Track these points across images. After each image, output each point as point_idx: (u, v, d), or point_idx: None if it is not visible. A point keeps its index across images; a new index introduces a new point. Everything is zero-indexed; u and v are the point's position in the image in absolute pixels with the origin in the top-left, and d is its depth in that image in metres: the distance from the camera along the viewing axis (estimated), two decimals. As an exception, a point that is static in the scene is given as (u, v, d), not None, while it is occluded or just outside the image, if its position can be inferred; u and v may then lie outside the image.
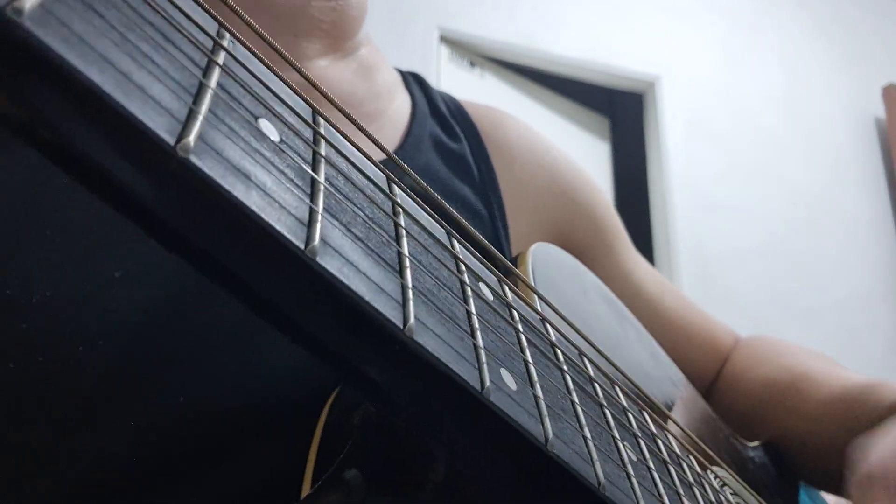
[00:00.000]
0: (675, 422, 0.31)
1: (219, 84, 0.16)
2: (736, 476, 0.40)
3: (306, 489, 0.22)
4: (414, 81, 0.50)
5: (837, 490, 0.52)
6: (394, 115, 0.44)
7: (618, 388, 0.27)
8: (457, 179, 0.44)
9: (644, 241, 2.58)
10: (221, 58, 0.17)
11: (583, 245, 0.51)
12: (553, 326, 0.25)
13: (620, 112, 3.01)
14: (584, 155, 2.74)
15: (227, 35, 0.18)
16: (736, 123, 2.74)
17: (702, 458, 0.33)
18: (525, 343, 0.22)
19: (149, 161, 0.14)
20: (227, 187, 0.14)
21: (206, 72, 0.16)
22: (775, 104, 2.83)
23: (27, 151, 0.26)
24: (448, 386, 0.17)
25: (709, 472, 0.37)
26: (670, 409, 0.43)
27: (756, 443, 0.54)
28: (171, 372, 0.28)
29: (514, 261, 0.37)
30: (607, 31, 2.72)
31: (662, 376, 0.44)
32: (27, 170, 0.28)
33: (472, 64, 2.60)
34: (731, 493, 0.37)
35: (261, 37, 0.19)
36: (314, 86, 0.20)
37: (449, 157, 0.45)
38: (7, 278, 0.26)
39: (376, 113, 0.42)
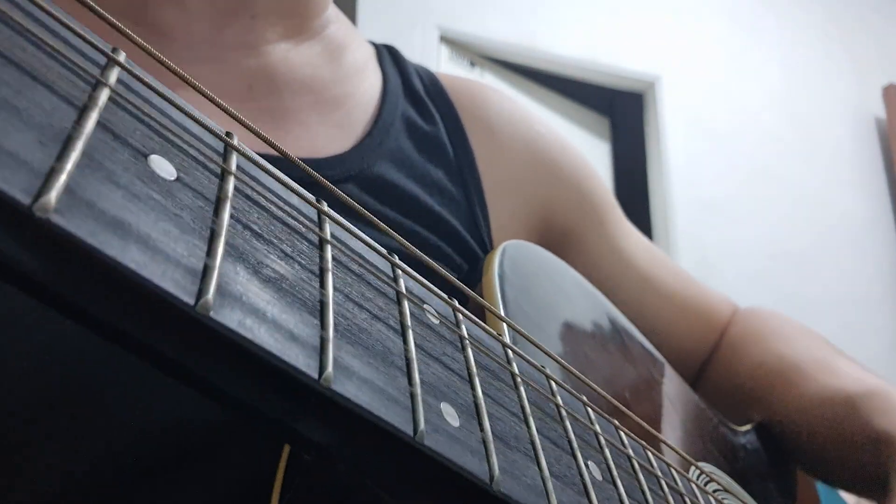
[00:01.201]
0: (652, 431, 0.30)
1: (99, 123, 0.14)
2: (715, 470, 0.39)
3: None
4: (388, 56, 0.47)
5: (823, 477, 0.52)
6: (362, 97, 0.41)
7: (588, 408, 0.26)
8: (430, 163, 0.42)
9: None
10: (107, 90, 0.15)
11: (570, 222, 0.49)
12: (510, 347, 0.24)
13: (620, 112, 3.01)
14: (584, 155, 2.75)
15: (122, 58, 0.17)
16: (736, 123, 2.75)
17: (680, 463, 0.32)
18: (474, 369, 0.21)
19: (9, 224, 0.12)
20: (97, 245, 0.13)
21: (84, 110, 0.14)
22: (775, 104, 2.83)
23: None
24: (378, 434, 0.16)
25: (692, 471, 0.36)
26: (655, 407, 0.41)
27: (748, 426, 0.53)
28: (115, 392, 0.27)
29: (478, 266, 0.35)
30: (607, 31, 2.72)
31: (644, 372, 0.43)
32: None
33: (473, 64, 2.60)
34: (715, 490, 0.36)
35: (154, 58, 0.17)
36: (217, 103, 0.18)
37: (422, 140, 0.42)
38: None
39: (343, 96, 0.40)
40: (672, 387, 0.46)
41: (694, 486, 0.30)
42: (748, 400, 0.54)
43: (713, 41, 2.85)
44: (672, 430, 0.41)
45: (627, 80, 2.75)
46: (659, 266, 0.54)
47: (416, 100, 0.45)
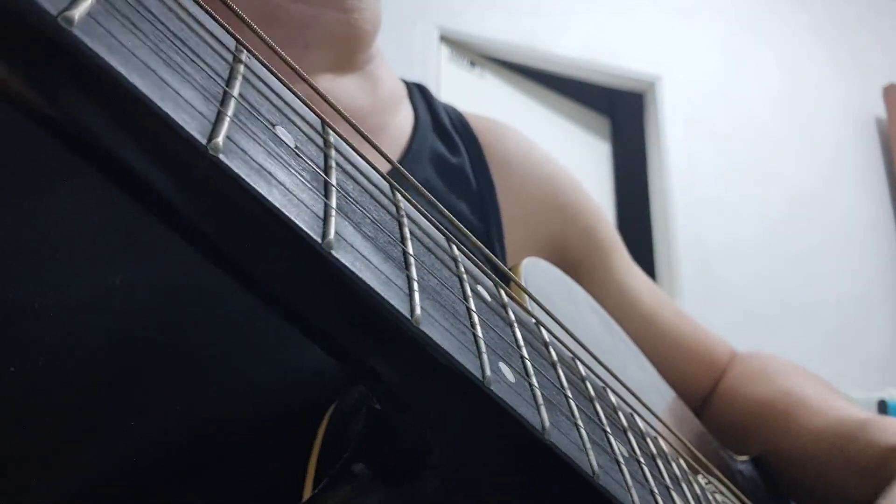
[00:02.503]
0: (665, 424, 0.33)
1: (240, 93, 0.17)
2: (724, 480, 0.41)
3: (307, 495, 0.23)
4: (419, 93, 0.51)
5: None
6: (396, 129, 0.45)
7: (609, 391, 0.28)
8: (454, 194, 0.45)
9: (644, 240, 2.59)
10: (241, 69, 0.18)
11: (578, 258, 0.52)
12: (546, 329, 0.27)
13: (620, 112, 3.01)
14: (584, 155, 2.75)
15: (244, 49, 0.20)
16: (736, 123, 2.76)
17: (691, 461, 0.34)
18: (521, 340, 0.23)
19: (182, 160, 0.15)
20: (253, 184, 0.15)
21: (229, 81, 0.17)
22: (775, 104, 2.84)
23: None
24: (452, 376, 0.19)
25: (700, 477, 0.38)
26: (663, 420, 0.44)
27: (745, 457, 0.55)
28: (172, 380, 0.28)
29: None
30: (607, 31, 2.73)
31: (651, 388, 0.46)
32: (28, 175, 0.28)
33: (473, 64, 2.60)
34: (720, 496, 0.38)
35: (275, 52, 0.20)
36: (325, 99, 0.21)
37: (447, 172, 0.45)
38: (8, 283, 0.26)
39: (379, 127, 0.43)
40: (676, 409, 0.48)
41: (701, 478, 0.32)
42: (748, 434, 0.56)
43: (713, 41, 2.86)
44: (678, 446, 0.43)
45: (627, 80, 2.75)
46: (661, 305, 0.57)
47: (443, 134, 0.48)
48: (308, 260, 0.16)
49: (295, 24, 0.39)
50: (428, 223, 0.23)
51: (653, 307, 0.55)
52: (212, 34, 0.19)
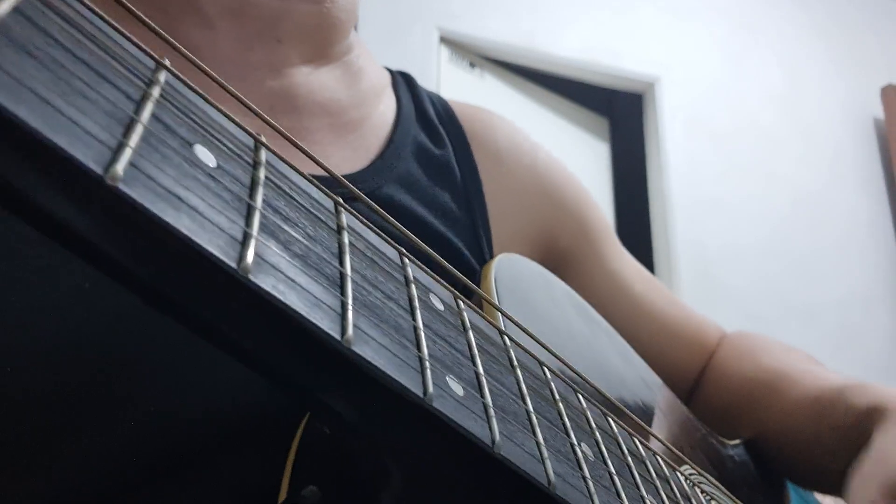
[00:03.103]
0: (640, 423, 0.32)
1: (153, 114, 0.17)
2: (705, 474, 0.41)
3: (282, 497, 0.23)
4: (403, 82, 0.50)
5: (812, 485, 0.53)
6: (377, 120, 0.44)
7: (579, 394, 0.28)
8: (437, 187, 0.44)
9: (644, 240, 2.59)
10: (159, 88, 0.17)
11: (569, 247, 0.51)
12: (509, 337, 0.26)
13: (620, 112, 3.01)
14: (583, 155, 2.76)
15: (167, 63, 0.19)
16: (735, 124, 2.76)
17: (670, 459, 0.33)
18: (475, 350, 0.22)
19: (82, 192, 0.14)
20: (158, 212, 0.15)
21: (141, 102, 0.17)
22: (774, 104, 2.84)
23: None
24: (391, 395, 0.18)
25: (683, 468, 0.38)
26: (644, 411, 0.43)
27: (736, 441, 0.54)
28: (143, 382, 0.28)
29: (476, 277, 0.37)
30: (607, 32, 2.73)
31: (635, 379, 0.45)
32: None
33: (472, 65, 2.60)
34: (703, 493, 0.38)
35: (201, 69, 0.20)
36: (252, 109, 0.20)
37: (431, 164, 0.45)
38: None
39: (359, 120, 0.42)
40: (661, 397, 0.48)
41: (680, 475, 0.31)
42: (738, 414, 0.56)
43: (712, 41, 2.86)
44: (661, 433, 0.43)
45: (627, 81, 2.75)
46: (652, 291, 0.56)
47: (428, 125, 0.47)
48: (226, 286, 0.16)
49: (266, 18, 0.38)
50: (375, 238, 0.23)
51: (643, 293, 0.55)
52: (129, 54, 0.18)
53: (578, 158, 2.68)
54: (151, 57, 0.18)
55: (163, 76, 0.18)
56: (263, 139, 0.21)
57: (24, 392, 0.26)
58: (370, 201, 0.23)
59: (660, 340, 0.56)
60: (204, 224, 0.15)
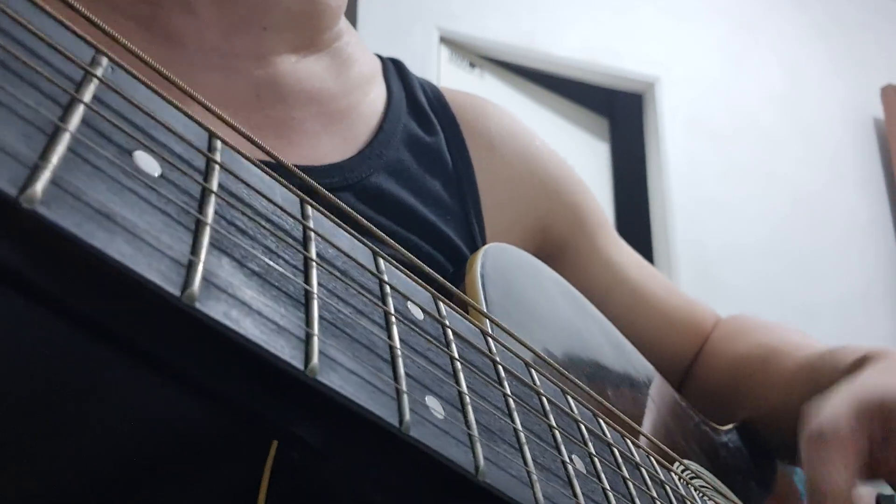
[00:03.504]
0: (633, 425, 0.31)
1: (84, 119, 0.15)
2: (699, 469, 0.40)
3: None
4: (394, 70, 0.48)
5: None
6: (366, 109, 0.42)
7: (569, 398, 0.26)
8: (428, 175, 0.43)
9: (644, 241, 2.61)
10: (91, 88, 0.15)
11: (563, 235, 0.50)
12: (494, 339, 0.24)
13: (620, 112, 3.03)
14: (583, 155, 2.77)
15: (105, 61, 0.17)
16: (735, 124, 2.77)
17: (663, 458, 0.32)
18: (458, 363, 0.21)
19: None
20: (83, 236, 0.13)
21: (69, 107, 0.14)
22: (774, 104, 2.85)
23: None
24: (364, 426, 0.16)
25: (676, 465, 0.37)
26: (636, 404, 0.42)
27: (730, 426, 0.54)
28: (102, 394, 0.26)
29: (463, 268, 0.35)
30: (607, 32, 2.73)
31: (626, 369, 0.44)
32: None
33: (472, 65, 2.61)
34: (700, 486, 0.37)
35: (144, 62, 0.18)
36: (209, 108, 0.18)
37: (421, 152, 0.43)
38: None
39: (347, 108, 0.41)
40: (654, 387, 0.47)
41: (675, 476, 0.30)
42: (731, 394, 0.55)
43: (712, 42, 2.86)
44: (654, 428, 0.41)
45: (627, 81, 2.75)
46: (648, 278, 0.56)
47: (419, 112, 0.46)
48: (170, 316, 0.14)
49: (251, 5, 0.37)
50: (347, 238, 0.21)
51: (639, 281, 0.54)
52: (58, 49, 0.16)
53: (578, 158, 2.68)
54: (92, 46, 0.16)
55: (100, 71, 0.16)
56: (220, 135, 0.19)
57: None
58: (338, 201, 0.21)
59: (656, 328, 0.55)
60: (141, 247, 0.14)
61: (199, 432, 0.27)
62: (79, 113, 0.14)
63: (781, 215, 2.68)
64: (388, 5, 2.37)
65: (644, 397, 0.43)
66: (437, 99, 0.48)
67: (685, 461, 0.40)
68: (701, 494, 0.37)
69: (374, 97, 0.43)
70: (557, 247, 0.50)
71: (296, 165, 0.35)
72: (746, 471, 0.50)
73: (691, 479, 0.38)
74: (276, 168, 0.21)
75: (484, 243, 0.44)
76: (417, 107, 0.46)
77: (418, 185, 0.41)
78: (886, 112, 2.90)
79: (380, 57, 0.49)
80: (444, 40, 2.51)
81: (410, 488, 0.18)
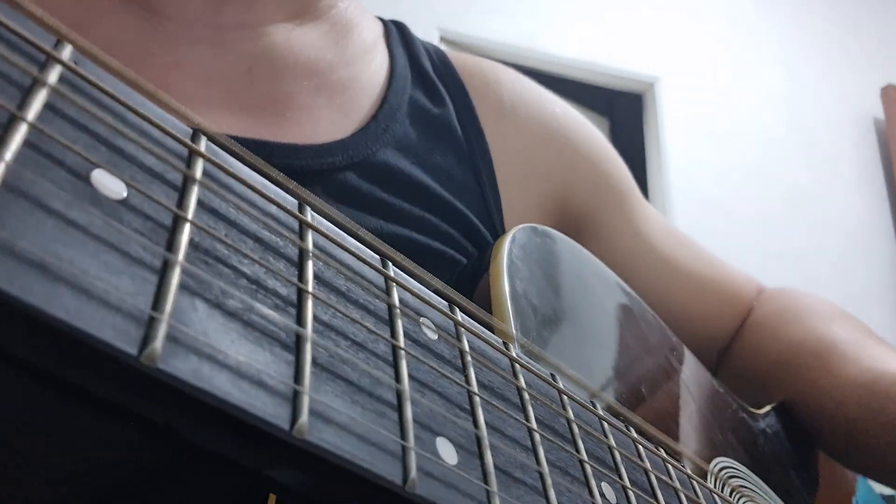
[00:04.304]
0: (667, 443, 0.28)
1: (27, 140, 0.12)
2: (738, 466, 0.37)
3: None
4: (397, 34, 0.45)
5: (851, 465, 0.50)
6: (368, 80, 0.39)
7: (603, 423, 0.24)
8: (438, 149, 0.40)
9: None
10: (38, 99, 0.13)
11: (587, 205, 0.47)
12: (516, 361, 0.22)
13: (620, 113, 3.01)
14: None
15: (67, 53, 0.14)
16: (735, 124, 2.75)
17: (700, 459, 0.30)
18: (476, 393, 0.19)
19: None
20: (17, 294, 0.11)
21: (8, 125, 0.12)
22: (774, 105, 2.83)
23: None
24: (364, 482, 0.14)
25: (713, 464, 0.35)
26: (672, 397, 0.40)
27: (767, 408, 0.51)
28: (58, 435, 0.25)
29: (485, 252, 0.33)
30: (607, 32, 2.72)
31: (662, 359, 0.41)
32: None
33: None
34: (738, 486, 0.35)
35: (106, 66, 0.15)
36: (184, 115, 0.16)
37: (430, 124, 0.40)
38: None
39: (348, 80, 0.38)
40: (690, 374, 0.44)
41: (716, 496, 0.28)
42: (775, 379, 0.52)
43: (712, 42, 2.85)
44: (690, 422, 0.39)
45: (627, 81, 2.76)
46: (679, 247, 0.52)
47: (424, 81, 0.42)
48: (133, 376, 0.12)
49: None
50: (353, 246, 0.18)
51: (669, 251, 0.51)
52: (11, 45, 0.13)
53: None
54: (56, 32, 0.14)
55: (55, 73, 0.14)
56: (203, 142, 0.16)
57: None
58: (334, 211, 0.18)
59: (689, 301, 0.52)
60: (91, 299, 0.11)
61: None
62: (21, 132, 0.12)
63: (781, 215, 2.67)
64: (388, 5, 2.34)
65: (680, 388, 0.41)
66: (444, 65, 0.45)
67: (722, 459, 0.38)
68: (738, 496, 0.35)
69: (376, 66, 0.40)
70: (580, 217, 0.46)
71: (295, 144, 0.32)
72: (785, 459, 0.48)
73: (729, 477, 0.36)
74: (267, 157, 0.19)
75: (500, 218, 0.41)
76: (423, 75, 0.43)
77: (428, 160, 0.38)
78: (886, 112, 2.87)
79: (382, 20, 0.45)
80: (444, 40, 2.49)
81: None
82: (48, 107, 0.13)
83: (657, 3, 2.82)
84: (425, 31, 2.43)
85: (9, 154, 0.12)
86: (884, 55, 3.05)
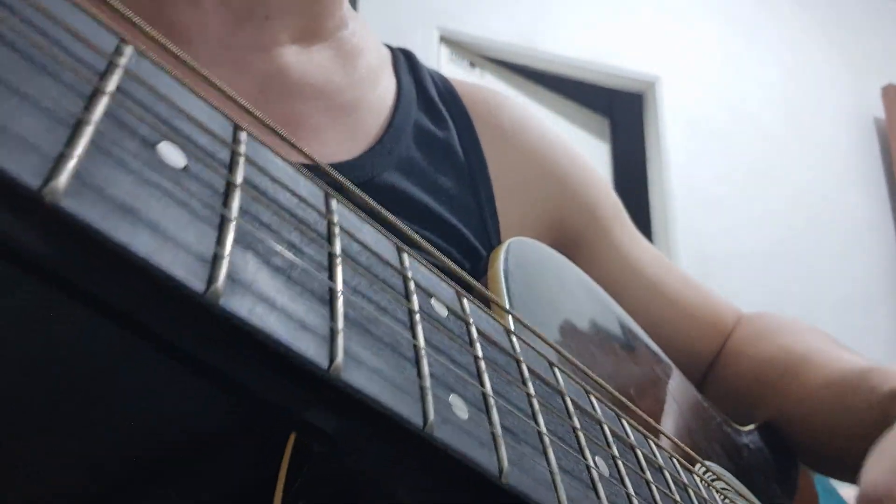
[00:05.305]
0: (656, 426, 0.30)
1: (108, 109, 0.14)
2: (722, 471, 0.39)
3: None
4: (404, 61, 0.47)
5: (830, 471, 0.51)
6: (375, 103, 0.41)
7: (592, 398, 0.26)
8: (440, 171, 0.42)
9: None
10: (115, 78, 0.15)
11: (579, 228, 0.49)
12: (518, 338, 0.24)
13: (620, 112, 3.02)
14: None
15: (129, 50, 0.17)
16: (736, 123, 2.76)
17: (685, 459, 0.32)
18: (482, 363, 0.20)
19: (20, 208, 0.12)
20: (107, 230, 0.12)
21: (92, 98, 0.14)
22: (775, 104, 2.84)
23: None
24: (388, 424, 0.16)
25: (697, 466, 0.36)
26: (658, 403, 0.41)
27: (751, 426, 0.53)
28: (121, 386, 0.26)
29: (479, 265, 0.35)
30: (607, 32, 2.73)
31: (648, 367, 0.43)
32: None
33: (472, 64, 2.61)
34: (722, 489, 0.36)
35: (166, 49, 0.17)
36: (231, 97, 0.18)
37: (433, 147, 0.43)
38: None
39: (355, 102, 0.40)
40: (676, 386, 0.46)
41: (698, 479, 0.30)
42: (755, 397, 0.54)
43: (712, 41, 2.86)
44: (675, 428, 0.41)
45: (627, 81, 2.76)
46: (666, 272, 0.54)
47: (429, 105, 0.45)
48: (195, 311, 0.14)
49: None
50: (371, 233, 0.21)
51: (657, 275, 0.53)
52: (82, 38, 0.15)
53: (578, 158, 2.70)
54: (116, 34, 0.16)
55: (124, 61, 0.16)
56: (244, 132, 0.18)
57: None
58: (363, 195, 0.21)
59: (674, 324, 0.54)
60: (166, 241, 0.13)
61: (214, 428, 0.27)
62: (102, 104, 0.14)
63: (781, 215, 2.67)
64: (388, 5, 2.37)
65: (666, 396, 0.43)
66: (448, 91, 0.47)
67: (706, 462, 0.40)
68: (723, 497, 0.36)
69: (382, 90, 0.43)
70: (572, 240, 0.49)
71: (304, 164, 0.35)
72: (768, 472, 0.49)
73: (712, 480, 0.38)
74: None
75: (499, 239, 0.43)
76: (428, 100, 0.45)
77: (431, 181, 0.41)
78: (887, 112, 2.89)
79: (389, 47, 0.48)
80: (444, 40, 2.51)
81: (432, 487, 0.18)
82: (120, 88, 0.15)
83: (657, 3, 2.82)
84: (425, 31, 2.44)
85: (96, 117, 0.14)
86: (884, 55, 3.05)
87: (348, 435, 0.17)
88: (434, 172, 0.41)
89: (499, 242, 0.43)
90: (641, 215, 2.69)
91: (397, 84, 0.44)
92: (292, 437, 0.23)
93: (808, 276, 2.59)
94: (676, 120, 2.68)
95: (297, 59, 0.38)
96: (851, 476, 0.49)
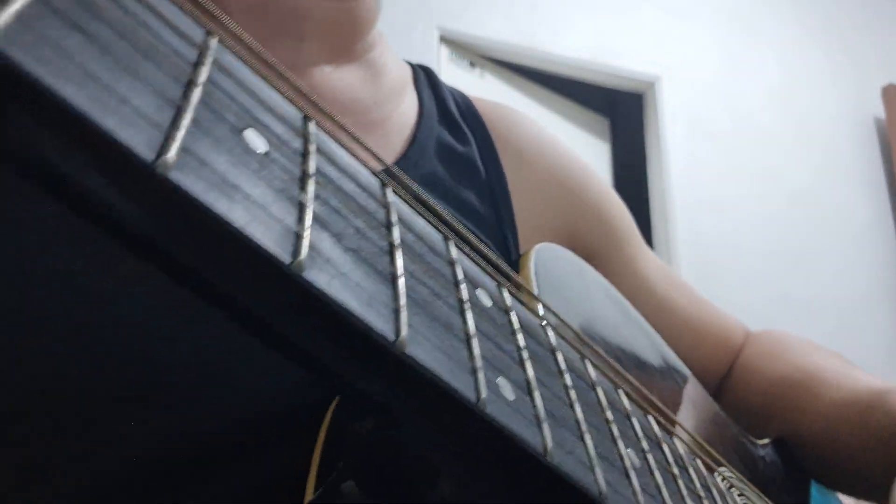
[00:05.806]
0: (680, 425, 0.31)
1: (202, 96, 0.16)
2: (741, 477, 0.40)
3: (309, 496, 0.22)
4: (424, 78, 0.49)
5: (844, 489, 0.52)
6: (399, 119, 0.43)
7: (621, 392, 0.27)
8: (462, 185, 0.43)
9: (644, 240, 2.60)
10: (206, 69, 0.16)
11: (592, 245, 0.51)
12: (554, 331, 0.25)
13: (620, 112, 3.02)
14: (584, 155, 2.77)
15: (214, 43, 0.18)
16: (736, 123, 2.75)
17: (708, 461, 0.32)
18: (524, 350, 0.21)
19: (130, 178, 0.13)
20: (210, 203, 0.14)
21: (189, 84, 0.16)
22: (774, 104, 2.84)
23: None
24: (443, 398, 0.17)
25: (715, 473, 0.37)
26: (678, 406, 0.42)
27: (766, 440, 0.53)
28: (171, 384, 0.28)
29: (518, 261, 0.36)
30: (607, 32, 2.73)
31: (669, 375, 0.44)
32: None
33: (472, 64, 2.61)
34: (739, 495, 0.37)
35: (254, 52, 0.19)
36: (310, 100, 0.19)
37: (455, 162, 0.44)
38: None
39: (381, 119, 0.42)
40: (695, 393, 0.47)
41: (720, 479, 0.30)
42: (768, 415, 0.55)
43: (713, 41, 2.85)
44: (695, 433, 0.42)
45: (627, 81, 2.75)
46: (676, 290, 0.56)
47: (450, 122, 0.46)
48: (279, 281, 0.15)
49: (289, 15, 0.38)
50: (422, 224, 0.22)
51: (667, 293, 0.54)
52: (176, 28, 0.17)
53: (578, 158, 2.69)
54: (203, 26, 0.17)
55: (212, 51, 0.17)
56: (314, 124, 0.20)
57: (40, 391, 0.26)
58: (415, 185, 0.22)
59: (684, 342, 0.55)
60: (257, 215, 0.15)
61: (252, 426, 0.28)
62: (197, 92, 0.16)
63: (782, 215, 2.66)
64: (388, 5, 2.38)
65: (685, 403, 0.44)
66: (467, 108, 0.49)
67: (724, 468, 0.40)
68: (745, 500, 0.37)
69: (405, 107, 0.44)
70: (586, 256, 0.50)
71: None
72: (782, 485, 0.50)
73: (729, 487, 0.38)
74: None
75: (517, 252, 0.45)
76: (449, 116, 0.47)
77: (453, 196, 0.42)
78: (887, 111, 2.86)
79: (410, 64, 0.50)
80: (444, 40, 2.51)
81: (477, 463, 0.19)
82: (209, 80, 0.17)
83: (657, 3, 2.82)
84: (425, 31, 2.44)
85: (193, 102, 0.15)
86: (884, 55, 3.04)
87: (402, 408, 0.18)
88: (457, 186, 0.43)
89: (518, 256, 0.45)
90: (641, 215, 2.69)
91: (419, 100, 0.46)
92: (330, 411, 0.24)
93: (808, 275, 2.57)
94: (676, 120, 2.67)
95: (328, 77, 0.40)
96: (867, 493, 0.50)
